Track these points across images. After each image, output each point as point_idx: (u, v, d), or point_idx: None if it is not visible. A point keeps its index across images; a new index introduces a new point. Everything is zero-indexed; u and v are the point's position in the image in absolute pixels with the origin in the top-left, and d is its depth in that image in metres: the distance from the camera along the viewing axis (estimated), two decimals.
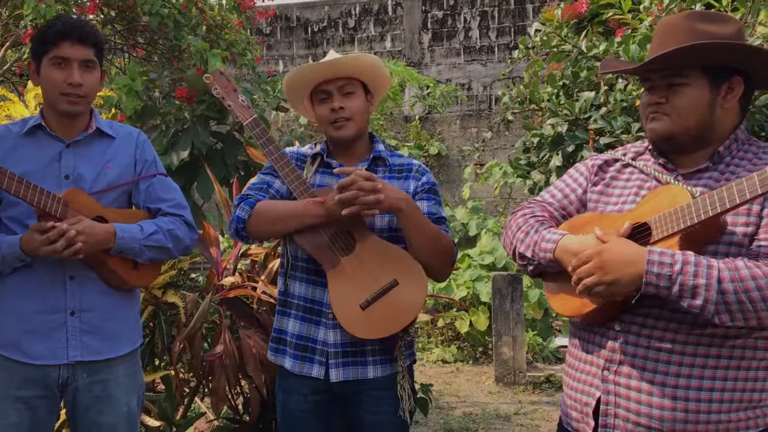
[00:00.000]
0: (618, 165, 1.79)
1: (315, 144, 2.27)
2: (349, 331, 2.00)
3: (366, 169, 2.13)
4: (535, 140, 3.40)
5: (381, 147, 2.20)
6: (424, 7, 10.69)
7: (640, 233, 1.60)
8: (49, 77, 2.01)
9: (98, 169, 2.09)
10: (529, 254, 1.74)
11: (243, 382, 3.06)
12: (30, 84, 3.25)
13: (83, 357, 2.02)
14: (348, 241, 2.04)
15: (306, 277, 2.11)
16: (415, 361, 2.22)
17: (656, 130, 1.63)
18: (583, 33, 3.66)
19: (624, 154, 1.80)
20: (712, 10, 2.66)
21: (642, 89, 1.74)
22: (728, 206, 1.43)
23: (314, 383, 2.08)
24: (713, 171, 1.62)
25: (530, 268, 1.77)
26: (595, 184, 1.80)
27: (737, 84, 1.60)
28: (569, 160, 3.13)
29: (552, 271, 1.75)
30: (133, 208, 2.20)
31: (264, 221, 2.05)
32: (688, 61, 1.57)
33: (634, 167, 1.75)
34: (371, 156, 2.18)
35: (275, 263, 2.96)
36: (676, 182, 1.62)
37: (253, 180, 2.27)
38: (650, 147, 1.74)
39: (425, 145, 9.97)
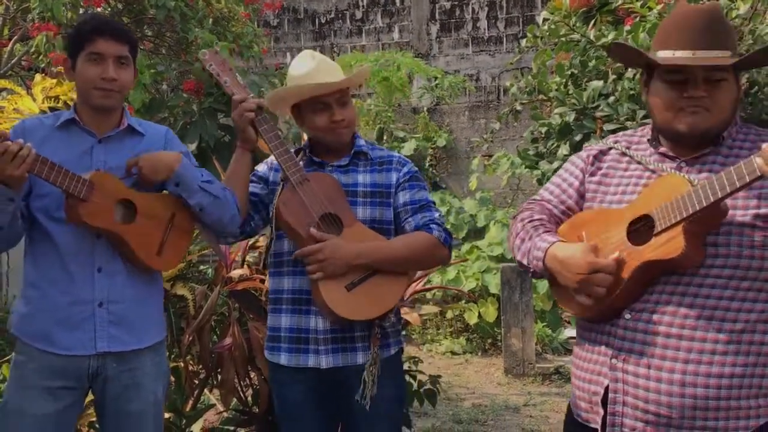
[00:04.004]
0: (614, 154, 1.79)
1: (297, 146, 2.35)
2: (333, 309, 2.04)
3: (347, 164, 2.23)
4: (543, 130, 3.37)
5: (362, 142, 2.28)
6: None
7: (643, 225, 1.60)
8: (84, 73, 2.04)
9: None
10: (525, 262, 1.79)
11: (252, 374, 3.07)
12: (37, 77, 3.26)
13: (110, 348, 2.05)
14: (336, 226, 2.11)
15: (293, 270, 2.15)
16: (402, 349, 2.27)
17: (698, 126, 1.61)
18: (592, 22, 3.63)
19: (616, 142, 1.80)
20: None
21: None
22: (728, 191, 1.45)
23: (307, 373, 2.12)
24: (716, 155, 1.64)
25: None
26: (592, 174, 1.80)
27: (740, 79, 1.68)
28: (576, 150, 3.10)
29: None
30: None
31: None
32: (758, 61, 1.66)
33: (631, 157, 1.74)
34: (353, 151, 2.24)
35: None
36: (675, 171, 1.63)
37: None
38: (649, 137, 1.73)
39: (433, 137, 9.93)
